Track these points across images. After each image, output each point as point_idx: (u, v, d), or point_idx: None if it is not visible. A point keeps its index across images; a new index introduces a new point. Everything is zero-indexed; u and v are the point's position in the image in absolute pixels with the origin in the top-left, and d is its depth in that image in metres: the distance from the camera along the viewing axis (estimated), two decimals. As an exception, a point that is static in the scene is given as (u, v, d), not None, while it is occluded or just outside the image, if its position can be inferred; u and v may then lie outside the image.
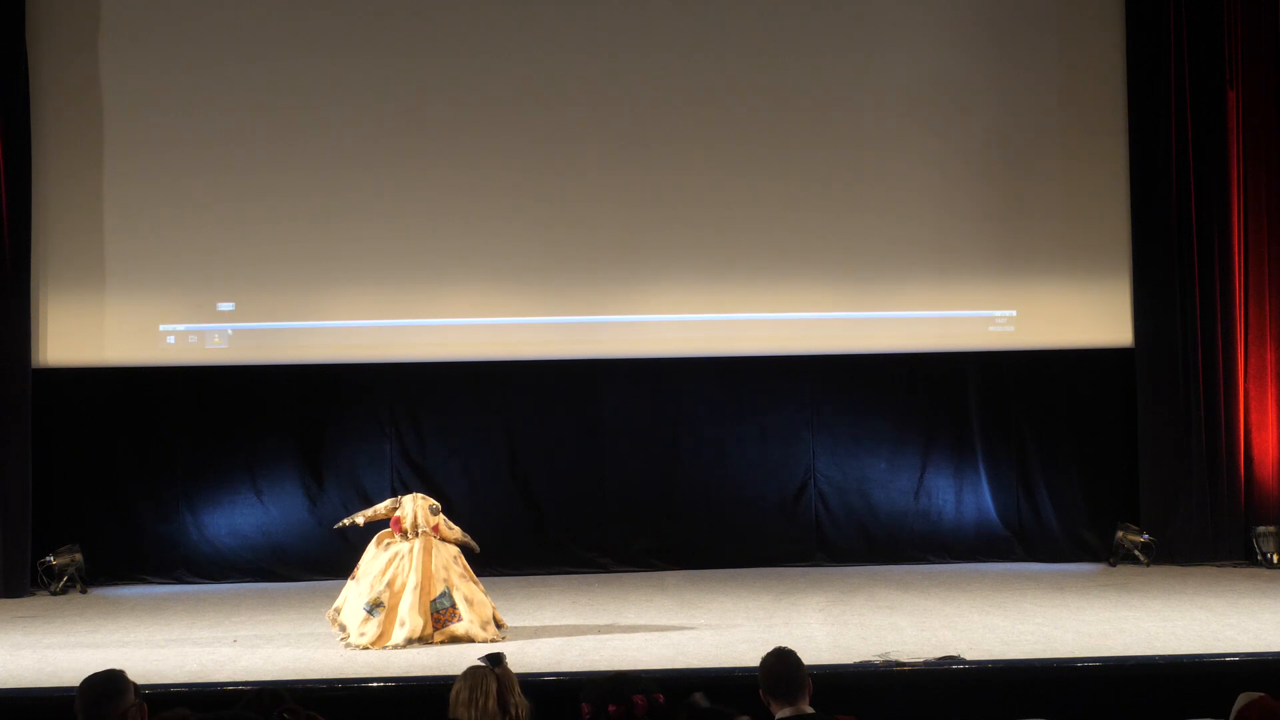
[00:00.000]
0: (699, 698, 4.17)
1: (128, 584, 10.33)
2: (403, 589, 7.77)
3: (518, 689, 4.33)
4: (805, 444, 10.89)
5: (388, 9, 10.62)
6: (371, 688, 6.50)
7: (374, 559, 7.96)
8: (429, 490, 9.28)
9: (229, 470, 10.67)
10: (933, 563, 10.61)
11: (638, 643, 7.61)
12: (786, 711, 4.23)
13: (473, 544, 8.25)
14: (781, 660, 4.37)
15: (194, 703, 5.24)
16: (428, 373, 10.73)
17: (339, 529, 8.74)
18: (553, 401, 10.84)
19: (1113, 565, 10.33)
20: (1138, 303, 10.64)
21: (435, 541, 7.96)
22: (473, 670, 4.35)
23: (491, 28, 10.62)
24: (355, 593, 7.86)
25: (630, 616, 8.57)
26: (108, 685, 4.12)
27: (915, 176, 10.69)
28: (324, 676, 6.86)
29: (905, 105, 10.68)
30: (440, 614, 7.77)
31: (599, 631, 8.04)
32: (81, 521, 10.36)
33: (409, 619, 7.68)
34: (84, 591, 9.99)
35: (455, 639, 7.71)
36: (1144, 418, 10.61)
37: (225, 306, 10.52)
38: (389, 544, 7.99)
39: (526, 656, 7.16)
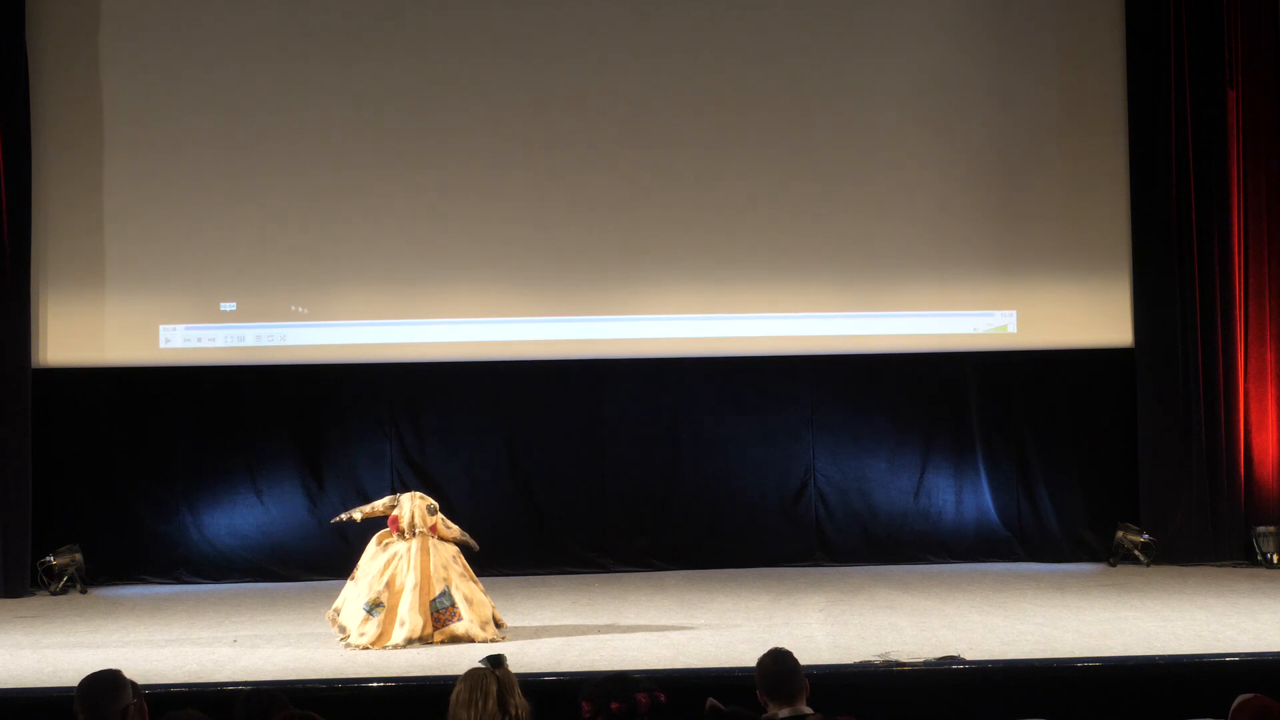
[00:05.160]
0: (714, 703, 4.17)
1: (128, 584, 10.34)
2: (402, 589, 7.77)
3: (518, 690, 4.33)
4: (805, 444, 10.89)
5: (389, 11, 10.62)
6: (371, 688, 6.50)
7: (373, 559, 7.96)
8: (429, 490, 9.28)
9: (229, 470, 10.68)
10: (933, 563, 10.62)
11: (638, 643, 7.61)
12: (784, 712, 4.24)
13: (471, 542, 8.25)
14: (779, 661, 4.37)
15: (194, 703, 5.24)
16: (427, 373, 10.73)
17: (335, 523, 8.78)
18: (553, 401, 10.85)
19: (1113, 565, 10.34)
20: (1138, 303, 10.65)
21: (434, 541, 7.95)
22: (473, 671, 4.35)
23: (492, 30, 10.62)
24: (354, 593, 7.86)
25: (630, 616, 8.57)
26: (107, 685, 4.13)
27: (915, 177, 10.69)
28: (324, 676, 6.86)
29: (905, 106, 10.68)
30: (440, 613, 7.76)
31: (599, 631, 8.04)
32: (81, 521, 10.37)
33: (409, 619, 7.68)
34: (84, 591, 9.99)
35: (455, 639, 7.71)
36: (1144, 418, 10.61)
37: (228, 306, 10.52)
38: (388, 544, 7.99)
39: (526, 656, 7.16)
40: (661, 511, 10.79)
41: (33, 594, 9.93)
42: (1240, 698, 4.16)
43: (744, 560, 10.55)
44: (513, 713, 4.24)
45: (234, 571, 10.51)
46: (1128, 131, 10.67)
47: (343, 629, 7.80)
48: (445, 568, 7.88)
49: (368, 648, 7.58)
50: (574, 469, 10.85)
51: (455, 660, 7.00)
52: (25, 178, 10.22)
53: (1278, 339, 10.51)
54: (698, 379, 10.85)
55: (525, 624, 8.30)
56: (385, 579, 7.81)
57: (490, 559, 9.15)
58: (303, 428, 10.75)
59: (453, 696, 4.32)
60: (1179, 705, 5.68)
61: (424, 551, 7.89)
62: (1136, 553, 10.34)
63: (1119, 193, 10.71)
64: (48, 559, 10.02)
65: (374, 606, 7.73)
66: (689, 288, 10.64)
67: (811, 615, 8.45)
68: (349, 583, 7.99)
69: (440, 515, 8.10)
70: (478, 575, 8.15)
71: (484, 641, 7.70)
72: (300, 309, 10.49)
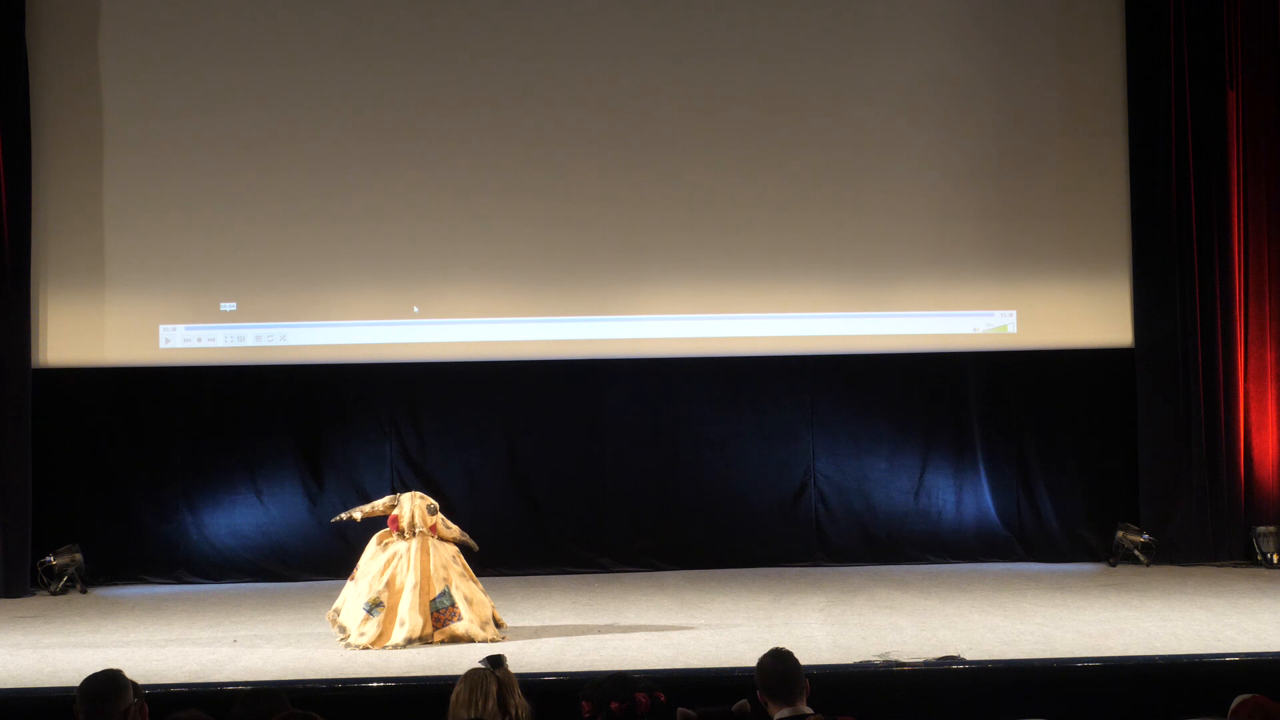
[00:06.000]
0: (685, 711, 4.18)
1: (128, 584, 10.34)
2: (402, 588, 7.77)
3: (518, 691, 4.34)
4: (805, 444, 10.89)
5: (388, 12, 10.62)
6: (371, 688, 6.50)
7: (372, 559, 7.96)
8: (429, 490, 9.28)
9: (229, 470, 10.67)
10: (933, 563, 10.62)
11: (638, 643, 7.61)
12: (785, 712, 4.24)
13: (471, 543, 8.25)
14: (779, 661, 4.37)
15: (194, 703, 5.24)
16: (428, 373, 10.73)
17: (335, 523, 8.78)
18: (553, 401, 10.85)
19: (1113, 565, 10.34)
20: (1138, 303, 10.65)
21: (433, 541, 7.95)
22: (473, 671, 4.36)
23: (492, 31, 10.62)
24: (354, 593, 7.85)
25: (630, 616, 8.57)
26: (108, 685, 4.13)
27: (915, 176, 10.69)
28: (324, 676, 6.86)
29: (905, 105, 10.68)
30: (440, 613, 7.76)
31: (599, 631, 8.04)
32: (81, 521, 10.37)
33: (408, 619, 7.68)
34: (84, 591, 9.99)
35: (455, 638, 7.70)
36: (1144, 418, 10.61)
37: (228, 306, 10.52)
38: (387, 544, 7.99)
39: (526, 656, 7.16)
40: (661, 511, 10.79)
41: (33, 594, 9.93)
42: (1239, 698, 4.16)
43: (744, 560, 10.55)
44: (513, 713, 4.25)
45: (234, 571, 10.51)
46: (1128, 131, 10.67)
47: (343, 629, 7.79)
48: (445, 568, 7.88)
49: (368, 648, 7.58)
50: (574, 469, 10.86)
51: (455, 660, 7.00)
52: (25, 178, 10.22)
53: (1278, 339, 10.51)
54: (698, 379, 10.85)
55: (525, 624, 8.30)
56: (385, 579, 7.81)
57: (490, 559, 9.15)
58: (303, 428, 10.76)
59: (453, 696, 4.33)
60: (1179, 705, 5.69)
61: (424, 551, 7.89)
62: (1136, 553, 10.34)
63: (1119, 193, 10.71)
64: (48, 559, 10.02)
65: (374, 606, 7.73)
66: (689, 288, 10.63)
67: (811, 615, 8.44)
68: (349, 583, 7.98)
69: (440, 515, 8.10)
70: (478, 575, 8.14)
71: (484, 641, 7.70)
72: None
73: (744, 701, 4.27)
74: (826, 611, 8.55)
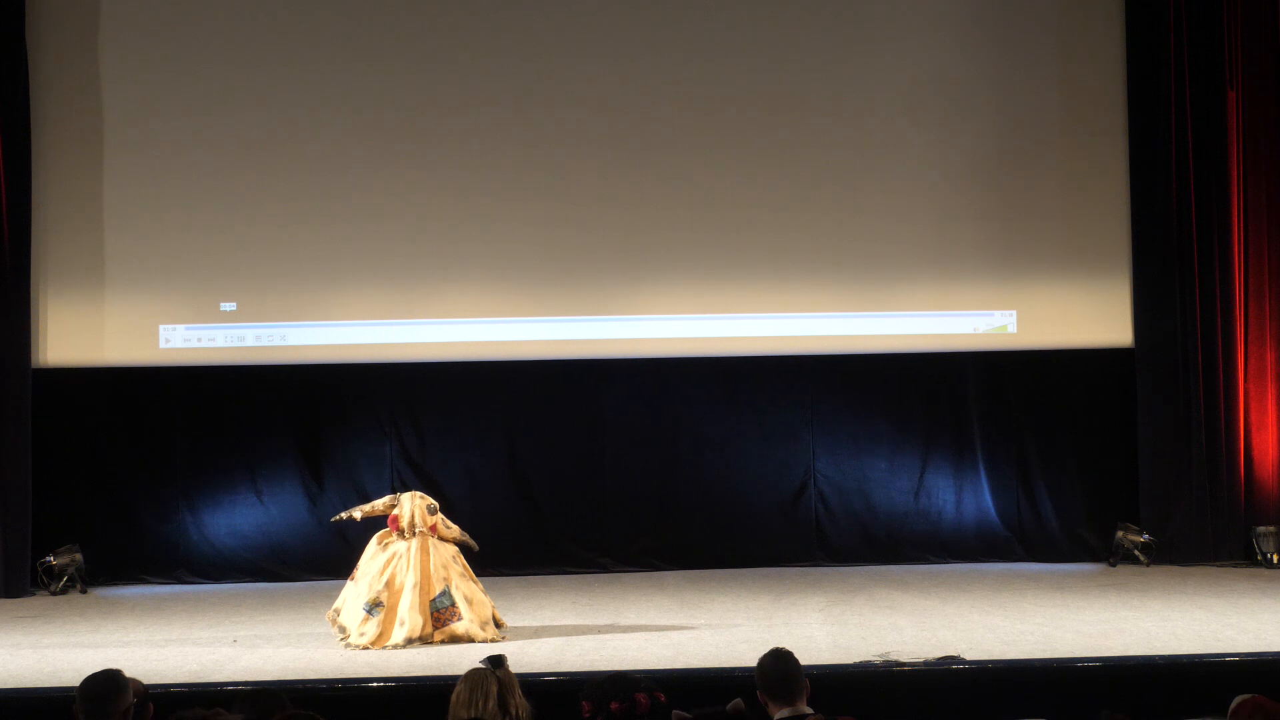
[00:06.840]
0: (680, 714, 4.18)
1: (128, 584, 10.34)
2: (402, 588, 7.77)
3: (518, 691, 4.34)
4: (805, 444, 10.89)
5: (388, 12, 10.62)
6: (371, 688, 6.50)
7: (372, 559, 7.96)
8: (429, 490, 9.27)
9: (229, 470, 10.68)
10: (933, 563, 10.62)
11: (638, 643, 7.61)
12: (785, 712, 4.24)
13: (471, 543, 8.25)
14: (779, 661, 4.37)
15: (194, 703, 5.24)
16: (428, 373, 10.73)
17: (335, 522, 8.77)
18: (553, 401, 10.85)
19: (1113, 565, 10.34)
20: (1138, 303, 10.65)
21: (433, 541, 7.95)
22: (473, 672, 4.36)
23: (492, 30, 10.62)
24: (354, 593, 7.85)
25: (630, 616, 8.57)
26: (107, 685, 4.13)
27: (915, 177, 10.69)
28: (324, 676, 6.86)
29: (905, 106, 10.68)
30: (440, 613, 7.76)
31: (599, 631, 8.04)
32: (81, 521, 10.37)
33: (408, 618, 7.68)
34: (84, 591, 9.99)
35: (455, 638, 7.70)
36: (1144, 418, 10.61)
37: (228, 306, 10.52)
38: (387, 544, 7.99)
39: (527, 656, 7.16)
40: (661, 511, 10.79)
41: (33, 594, 9.94)
42: (1239, 698, 4.16)
43: (744, 560, 10.55)
44: (513, 713, 4.25)
45: (234, 571, 10.52)
46: (1128, 131, 10.67)
47: (343, 629, 7.79)
48: (445, 567, 7.88)
49: (368, 648, 7.58)
50: (574, 469, 10.86)
51: (455, 660, 7.00)
52: (25, 178, 10.22)
53: (1278, 339, 10.51)
54: (698, 379, 10.85)
55: (525, 624, 8.30)
56: (385, 578, 7.81)
57: (490, 559, 9.15)
58: (303, 428, 10.76)
59: (453, 696, 4.33)
60: (1179, 705, 5.69)
61: (424, 551, 7.89)
62: (1136, 553, 10.34)
63: (1119, 193, 10.71)
64: (48, 559, 10.02)
65: (374, 606, 7.73)
66: (689, 288, 10.64)
67: (811, 615, 8.45)
68: (349, 583, 7.98)
69: (440, 515, 8.10)
70: (478, 575, 8.14)
71: (484, 641, 7.70)
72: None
73: (738, 700, 4.27)
74: (826, 611, 8.55)
